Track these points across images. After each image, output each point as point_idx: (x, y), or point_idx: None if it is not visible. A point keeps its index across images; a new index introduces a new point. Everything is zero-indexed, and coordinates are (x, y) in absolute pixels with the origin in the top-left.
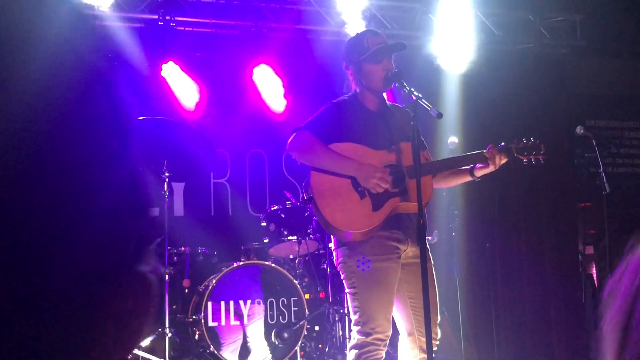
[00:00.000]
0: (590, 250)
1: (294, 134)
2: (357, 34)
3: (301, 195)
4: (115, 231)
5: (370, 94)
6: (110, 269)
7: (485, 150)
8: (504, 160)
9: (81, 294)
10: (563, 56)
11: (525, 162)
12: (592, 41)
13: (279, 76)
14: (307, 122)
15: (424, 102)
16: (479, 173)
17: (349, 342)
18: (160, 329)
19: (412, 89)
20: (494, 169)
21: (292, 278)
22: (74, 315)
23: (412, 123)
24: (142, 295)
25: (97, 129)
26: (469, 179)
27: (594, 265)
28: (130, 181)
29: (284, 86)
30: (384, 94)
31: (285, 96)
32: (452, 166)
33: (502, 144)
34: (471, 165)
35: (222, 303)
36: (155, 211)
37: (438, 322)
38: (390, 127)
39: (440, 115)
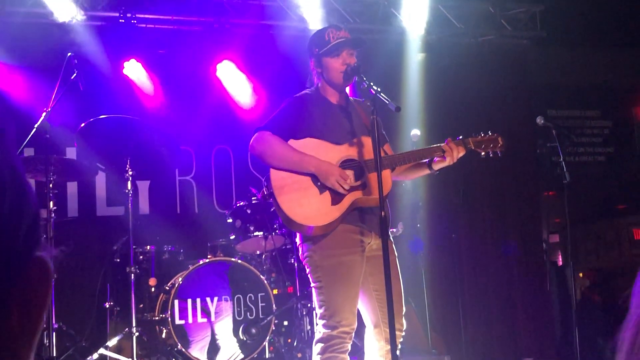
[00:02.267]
0: (555, 238)
1: (255, 135)
2: (321, 29)
3: (261, 191)
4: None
5: (331, 88)
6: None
7: (443, 144)
8: (461, 154)
9: None
10: (524, 47)
11: (483, 155)
12: (552, 32)
13: (243, 72)
14: (268, 121)
15: (382, 96)
16: (436, 167)
17: None
18: (127, 329)
19: (372, 83)
20: (451, 163)
21: (259, 274)
22: None
23: (372, 117)
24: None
25: None
26: (427, 172)
27: (560, 254)
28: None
29: (247, 81)
30: (347, 89)
31: (249, 91)
32: (410, 160)
33: (460, 137)
34: (429, 159)
35: (189, 301)
36: (120, 210)
37: (404, 313)
38: (352, 121)
39: (398, 109)
